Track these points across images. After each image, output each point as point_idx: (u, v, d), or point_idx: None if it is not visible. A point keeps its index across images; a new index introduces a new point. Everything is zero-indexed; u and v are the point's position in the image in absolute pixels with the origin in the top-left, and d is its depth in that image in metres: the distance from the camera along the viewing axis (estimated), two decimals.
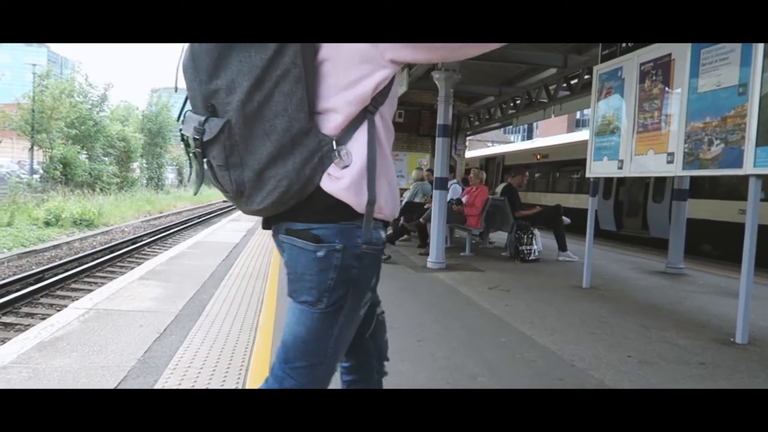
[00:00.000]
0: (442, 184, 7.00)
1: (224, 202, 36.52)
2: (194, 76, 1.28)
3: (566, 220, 8.61)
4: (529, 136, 45.03)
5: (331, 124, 1.30)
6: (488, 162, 21.24)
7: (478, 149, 26.53)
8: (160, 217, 22.40)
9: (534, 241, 7.84)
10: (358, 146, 1.31)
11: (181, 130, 1.36)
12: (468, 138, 22.73)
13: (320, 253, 1.31)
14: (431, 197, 8.00)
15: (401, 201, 10.78)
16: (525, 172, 9.87)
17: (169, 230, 16.59)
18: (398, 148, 16.58)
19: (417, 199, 9.95)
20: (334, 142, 1.28)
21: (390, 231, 9.71)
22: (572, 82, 10.49)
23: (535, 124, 45.51)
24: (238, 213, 16.95)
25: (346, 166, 1.29)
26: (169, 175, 44.15)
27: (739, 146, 3.94)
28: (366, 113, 1.32)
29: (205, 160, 1.33)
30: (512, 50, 9.93)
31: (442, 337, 3.88)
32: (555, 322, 4.37)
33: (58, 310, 6.52)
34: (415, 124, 16.25)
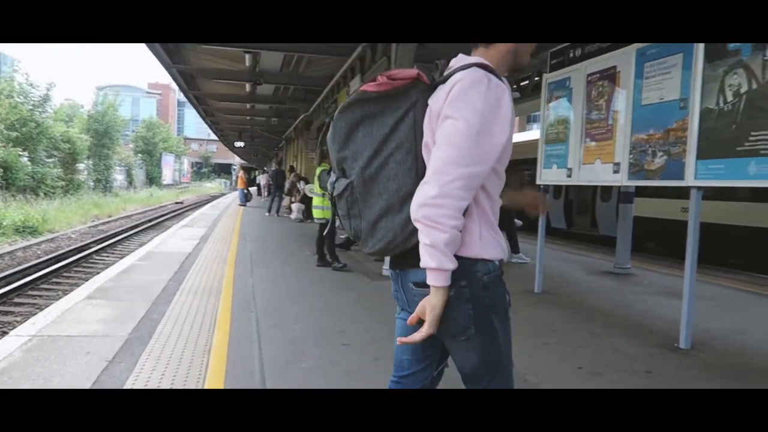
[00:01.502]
0: None
1: (176, 203, 35.72)
2: (332, 145, 1.58)
3: (518, 222, 8.77)
4: None
5: None
6: None
7: None
8: (109, 221, 21.69)
9: None
10: None
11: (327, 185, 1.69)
12: None
13: (451, 294, 1.47)
14: None
15: None
16: None
17: (118, 236, 16.07)
18: None
19: None
20: None
21: (344, 237, 9.69)
22: (523, 84, 10.70)
23: None
24: (191, 218, 16.62)
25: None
26: (118, 177, 42.80)
27: (681, 158, 4.09)
28: None
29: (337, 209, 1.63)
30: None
31: None
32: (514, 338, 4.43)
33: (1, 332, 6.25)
34: None
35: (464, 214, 1.44)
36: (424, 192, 1.40)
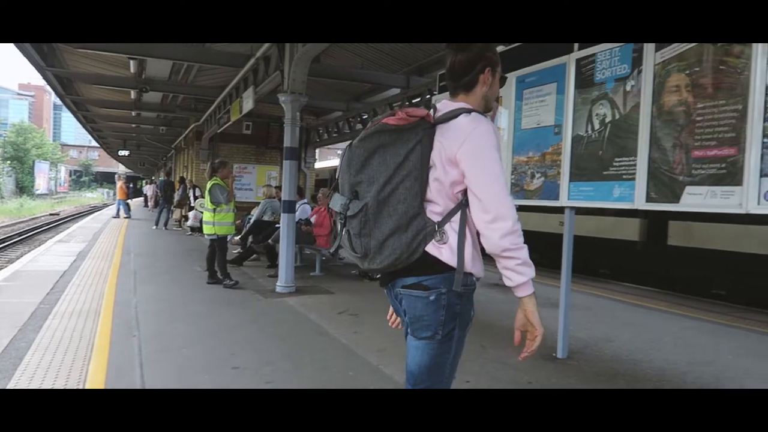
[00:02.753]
0: (289, 208, 6.95)
1: (51, 215, 32.96)
2: (349, 170, 1.79)
3: None
4: None
5: (435, 210, 1.78)
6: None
7: (332, 159, 26.73)
8: None
9: None
10: (452, 228, 1.77)
11: (329, 204, 1.91)
12: (325, 147, 22.80)
13: (432, 297, 1.77)
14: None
15: (249, 219, 10.55)
16: None
17: None
18: (246, 161, 16.20)
19: (266, 218, 9.78)
20: (436, 225, 1.76)
21: (238, 251, 9.44)
22: (415, 101, 11.00)
23: None
24: (68, 231, 15.39)
25: (444, 243, 1.75)
26: None
27: (556, 180, 4.40)
28: (460, 205, 1.78)
29: (346, 228, 1.80)
30: (358, 70, 10.20)
31: (292, 376, 3.84)
32: (403, 348, 4.52)
33: None
34: (263, 137, 16.01)
35: (459, 232, 1.77)
36: (500, 227, 1.68)
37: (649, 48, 3.66)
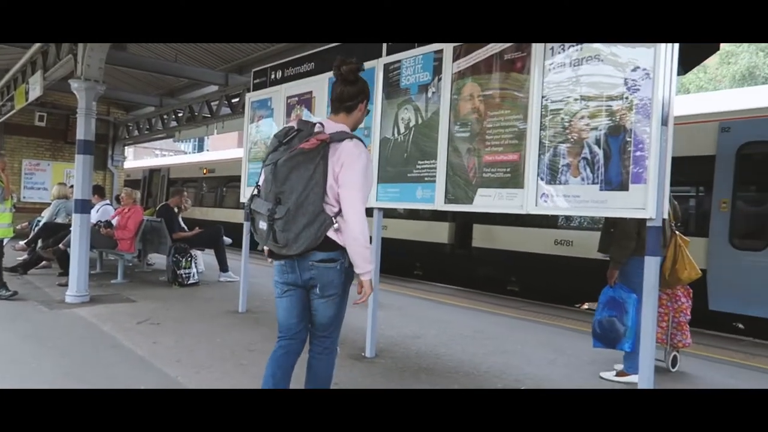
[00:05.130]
0: (83, 207, 6.20)
1: None
2: (273, 182, 2.40)
3: (228, 240, 8.62)
4: (201, 148, 43.92)
5: (331, 208, 2.45)
6: (153, 174, 19.96)
7: (147, 159, 24.81)
8: None
9: (194, 264, 7.60)
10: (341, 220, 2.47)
11: (251, 206, 2.52)
12: (136, 146, 21.00)
13: (337, 267, 2.52)
14: None
15: (38, 221, 9.29)
16: (183, 192, 9.53)
17: None
18: (40, 157, 14.33)
19: (59, 220, 8.69)
20: (332, 218, 2.44)
21: (22, 259, 8.28)
22: (234, 101, 10.61)
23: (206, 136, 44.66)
24: None
25: (337, 229, 2.46)
26: None
27: None
28: None
29: (272, 226, 2.40)
30: (172, 63, 9.56)
31: None
32: (205, 357, 4.25)
33: None
34: (62, 130, 14.27)
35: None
36: (354, 226, 2.42)
37: (447, 57, 3.87)
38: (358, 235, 2.42)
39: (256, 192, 2.53)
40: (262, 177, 2.51)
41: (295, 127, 2.49)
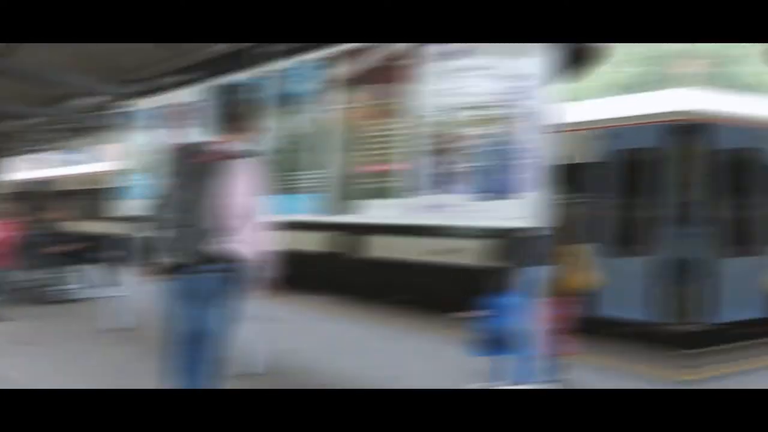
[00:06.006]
0: None
1: None
2: (172, 194, 2.70)
3: (116, 253, 8.33)
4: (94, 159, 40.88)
5: (227, 222, 2.62)
6: (39, 186, 18.78)
7: (40, 170, 22.94)
8: None
9: (77, 280, 7.34)
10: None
11: (149, 217, 2.82)
12: (18, 157, 19.46)
13: (231, 277, 2.67)
14: None
15: None
16: (64, 206, 9.11)
17: None
18: None
19: None
20: (229, 230, 2.61)
21: None
22: (119, 110, 10.27)
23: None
24: None
25: (234, 242, 2.63)
26: None
27: None
28: None
29: (173, 237, 2.65)
30: (49, 71, 9.13)
31: None
32: (78, 376, 4.25)
33: None
34: None
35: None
36: (256, 235, 2.68)
37: (336, 64, 4.06)
38: (254, 246, 2.65)
39: (157, 203, 2.74)
40: (162, 189, 2.75)
41: (190, 143, 2.80)
